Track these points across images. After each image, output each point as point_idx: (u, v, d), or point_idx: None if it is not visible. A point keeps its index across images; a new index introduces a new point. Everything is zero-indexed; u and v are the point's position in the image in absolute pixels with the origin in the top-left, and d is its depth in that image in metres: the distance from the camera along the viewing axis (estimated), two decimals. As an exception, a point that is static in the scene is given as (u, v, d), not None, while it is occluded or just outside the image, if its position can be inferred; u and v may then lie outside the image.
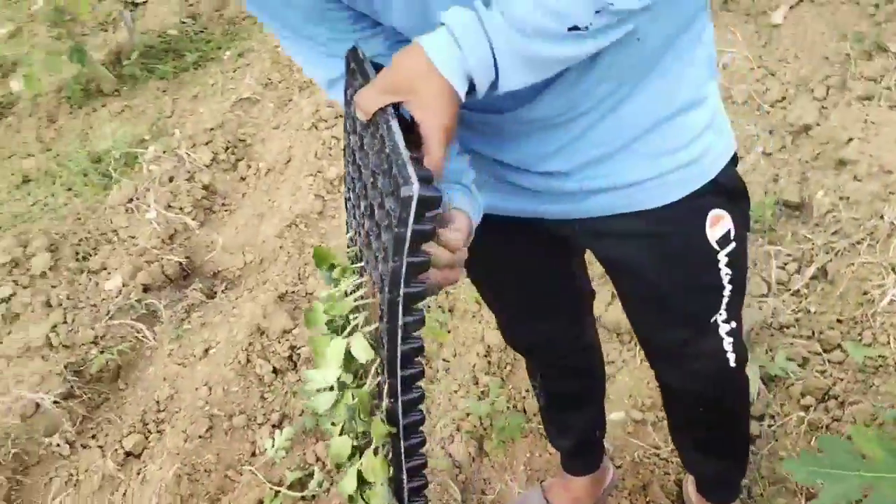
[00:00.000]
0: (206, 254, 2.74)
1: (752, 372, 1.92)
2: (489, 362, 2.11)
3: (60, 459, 2.15)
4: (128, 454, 2.14)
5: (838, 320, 1.98)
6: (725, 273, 1.16)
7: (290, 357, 2.27)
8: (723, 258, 1.14)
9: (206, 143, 3.07)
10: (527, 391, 2.03)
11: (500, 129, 1.06)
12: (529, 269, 1.34)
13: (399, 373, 0.92)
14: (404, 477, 0.99)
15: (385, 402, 0.94)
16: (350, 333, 0.97)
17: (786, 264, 2.19)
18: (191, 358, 2.35)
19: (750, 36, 3.10)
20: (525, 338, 1.50)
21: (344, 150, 1.07)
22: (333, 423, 1.03)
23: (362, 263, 1.00)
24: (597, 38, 0.86)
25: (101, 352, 2.34)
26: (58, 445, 2.16)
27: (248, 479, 2.01)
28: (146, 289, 2.55)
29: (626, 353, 2.10)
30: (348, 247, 1.07)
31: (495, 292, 1.43)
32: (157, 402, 2.25)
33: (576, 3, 0.82)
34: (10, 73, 4.10)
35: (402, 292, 0.87)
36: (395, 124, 0.86)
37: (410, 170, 0.81)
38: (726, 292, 1.18)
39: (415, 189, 0.80)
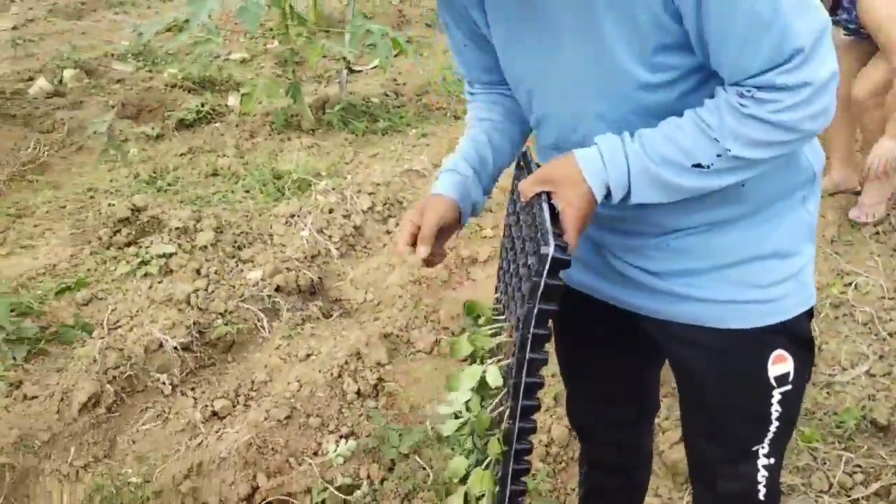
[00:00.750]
0: (335, 280, 3.06)
1: (787, 550, 1.97)
2: (548, 452, 2.25)
3: (160, 396, 2.44)
4: (214, 413, 2.40)
5: (887, 536, 2.00)
6: (776, 409, 1.28)
7: (375, 386, 2.50)
8: (777, 395, 1.27)
9: (370, 194, 3.45)
10: (572, 489, 2.15)
11: (613, 221, 1.28)
12: (607, 352, 1.51)
13: (521, 400, 1.10)
14: (506, 497, 1.15)
15: (504, 424, 1.12)
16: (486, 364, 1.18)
17: (853, 473, 2.24)
18: (293, 357, 2.62)
19: (892, 268, 3.20)
20: (582, 414, 1.66)
21: (504, 229, 1.35)
22: (453, 448, 1.24)
23: (504, 316, 1.24)
24: (718, 177, 1.09)
25: (226, 324, 2.66)
26: (163, 384, 2.46)
27: (305, 469, 2.21)
28: (278, 289, 2.88)
29: (675, 493, 2.18)
30: (494, 304, 1.32)
31: (573, 364, 1.61)
32: (253, 381, 2.52)
33: (700, 144, 1.06)
34: (232, 90, 4.76)
35: (531, 332, 1.08)
36: (546, 206, 1.12)
37: (550, 236, 1.06)
38: (772, 427, 1.30)
39: (551, 249, 1.04)
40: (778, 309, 1.25)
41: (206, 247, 2.99)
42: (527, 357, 1.09)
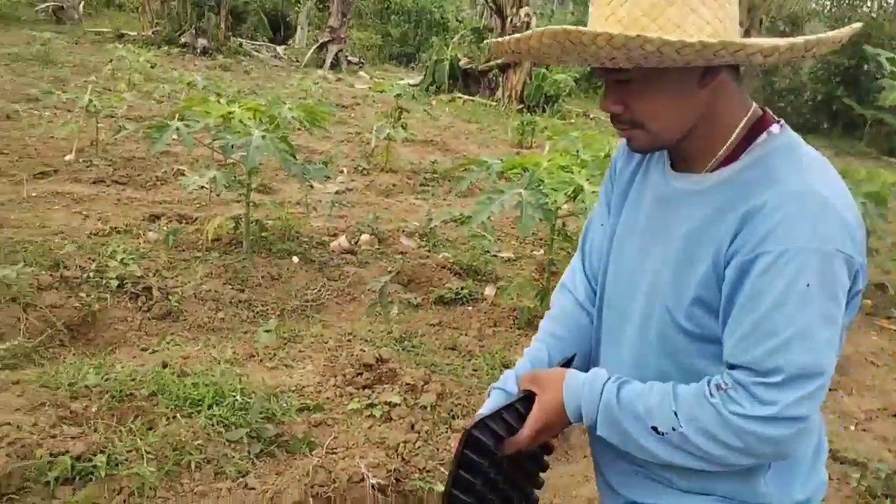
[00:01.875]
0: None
1: None
2: None
3: (346, 524, 2.71)
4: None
5: None
6: None
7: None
8: None
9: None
10: None
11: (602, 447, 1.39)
12: None
13: None
14: None
15: None
16: None
17: None
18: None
19: None
20: None
21: None
22: None
23: None
24: (670, 451, 1.18)
25: (420, 479, 2.91)
26: (352, 514, 2.73)
27: None
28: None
29: None
30: None
31: None
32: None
33: (662, 411, 1.17)
34: (491, 282, 5.28)
35: (449, 490, 1.28)
36: (518, 398, 1.32)
37: (486, 418, 1.26)
38: None
39: (471, 425, 1.24)
40: None
41: (426, 407, 3.32)
42: None
